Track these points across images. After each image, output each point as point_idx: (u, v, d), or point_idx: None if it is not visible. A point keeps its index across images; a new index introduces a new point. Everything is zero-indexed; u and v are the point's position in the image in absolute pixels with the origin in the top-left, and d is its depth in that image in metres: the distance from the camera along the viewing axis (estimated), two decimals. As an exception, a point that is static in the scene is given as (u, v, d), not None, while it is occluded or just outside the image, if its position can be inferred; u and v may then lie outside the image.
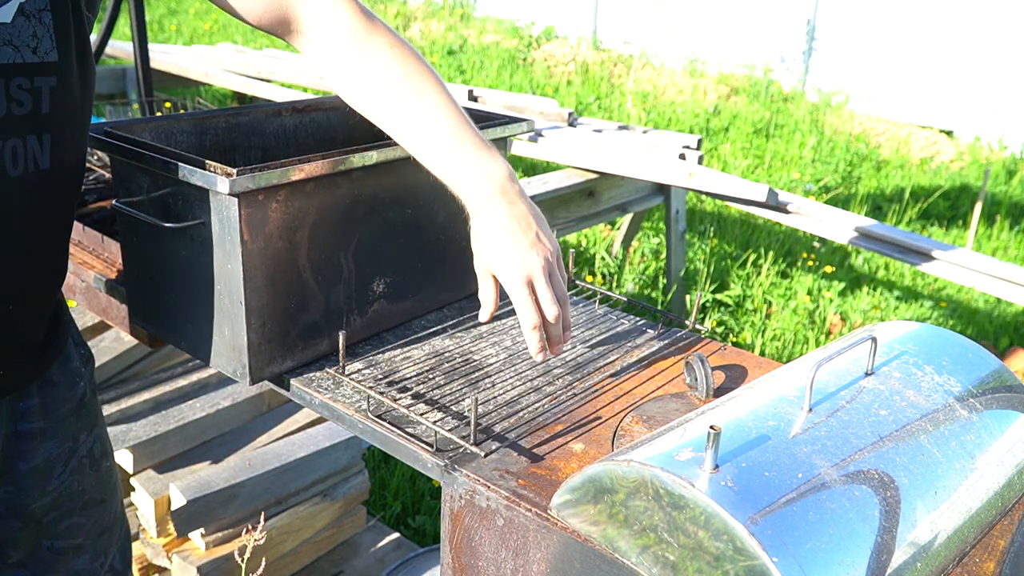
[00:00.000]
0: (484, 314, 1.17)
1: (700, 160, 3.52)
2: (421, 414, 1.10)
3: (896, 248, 3.43)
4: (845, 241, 3.49)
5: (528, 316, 1.11)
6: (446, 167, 1.13)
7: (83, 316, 2.19)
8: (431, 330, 1.36)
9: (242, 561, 1.49)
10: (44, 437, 1.17)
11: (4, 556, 1.16)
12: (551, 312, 1.11)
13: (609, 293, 1.46)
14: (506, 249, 1.09)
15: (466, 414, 1.11)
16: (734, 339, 4.03)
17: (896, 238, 3.43)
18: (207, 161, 1.08)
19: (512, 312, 1.43)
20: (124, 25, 7.32)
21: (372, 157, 1.20)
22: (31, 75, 0.99)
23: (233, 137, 1.43)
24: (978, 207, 5.33)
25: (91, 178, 1.88)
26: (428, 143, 1.13)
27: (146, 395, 2.12)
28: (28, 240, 1.04)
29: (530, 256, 1.09)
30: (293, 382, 1.21)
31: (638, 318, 1.44)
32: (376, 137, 1.22)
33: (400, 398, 1.15)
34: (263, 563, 1.60)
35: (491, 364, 1.26)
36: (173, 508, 1.97)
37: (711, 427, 0.76)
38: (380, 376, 1.21)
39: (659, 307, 3.95)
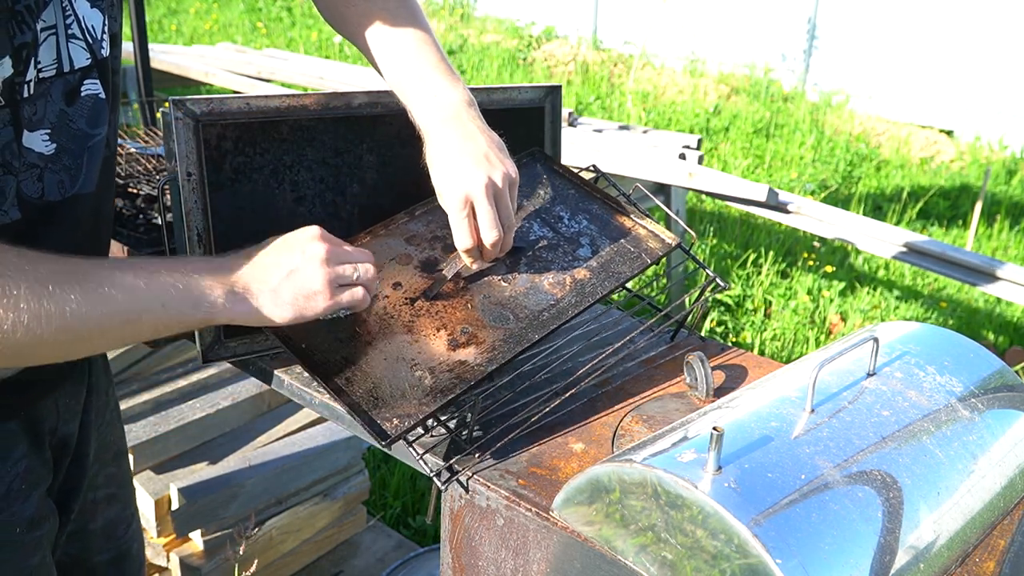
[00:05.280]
0: (464, 257, 1.08)
1: (700, 160, 3.52)
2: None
3: (896, 248, 3.43)
4: (845, 241, 3.49)
5: (462, 238, 1.04)
6: (403, 87, 1.09)
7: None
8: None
9: (235, 561, 1.49)
10: (92, 391, 1.20)
11: (68, 510, 1.18)
12: (489, 236, 1.03)
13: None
14: (447, 167, 1.03)
15: (466, 413, 1.11)
16: (734, 339, 4.02)
17: (896, 238, 3.42)
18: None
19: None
20: (124, 25, 7.31)
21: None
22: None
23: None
24: (978, 207, 5.32)
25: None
26: (391, 62, 1.10)
27: (146, 395, 2.12)
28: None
29: (473, 174, 1.01)
30: (293, 382, 1.20)
31: (638, 318, 1.43)
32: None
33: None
34: (263, 562, 1.59)
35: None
36: (173, 508, 1.97)
37: (714, 428, 0.76)
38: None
39: (658, 307, 3.95)
